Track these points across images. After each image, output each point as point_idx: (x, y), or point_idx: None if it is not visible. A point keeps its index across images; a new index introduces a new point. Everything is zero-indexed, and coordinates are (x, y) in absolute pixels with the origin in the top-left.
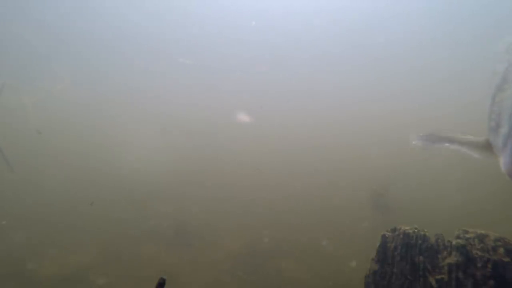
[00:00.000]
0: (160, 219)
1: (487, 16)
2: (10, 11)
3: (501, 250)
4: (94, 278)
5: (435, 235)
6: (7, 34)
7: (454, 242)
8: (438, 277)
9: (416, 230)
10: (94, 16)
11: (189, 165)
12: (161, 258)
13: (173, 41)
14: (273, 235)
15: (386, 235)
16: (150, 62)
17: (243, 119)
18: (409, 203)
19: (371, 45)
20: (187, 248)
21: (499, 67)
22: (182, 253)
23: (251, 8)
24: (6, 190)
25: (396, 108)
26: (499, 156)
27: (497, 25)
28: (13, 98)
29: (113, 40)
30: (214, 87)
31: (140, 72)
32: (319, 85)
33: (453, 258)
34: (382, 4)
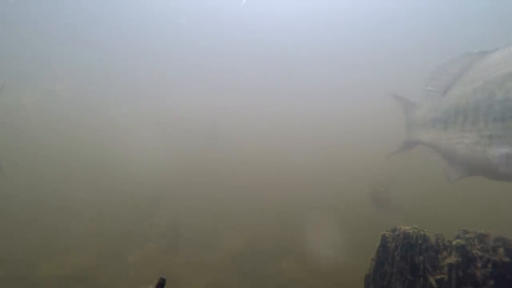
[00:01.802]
0: (159, 219)
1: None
2: (10, 11)
3: (501, 250)
4: (94, 278)
5: (435, 235)
6: (7, 34)
7: (454, 242)
8: (438, 277)
9: (416, 230)
10: (94, 16)
11: (189, 166)
12: (161, 258)
13: (173, 41)
14: (273, 235)
15: (386, 235)
16: (149, 62)
17: (243, 119)
18: (409, 203)
19: (372, 45)
20: (187, 248)
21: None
22: (182, 253)
23: (252, 8)
24: (5, 191)
25: (396, 107)
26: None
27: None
28: (13, 98)
29: (113, 40)
30: (215, 87)
31: (140, 72)
32: (318, 85)
33: (453, 258)
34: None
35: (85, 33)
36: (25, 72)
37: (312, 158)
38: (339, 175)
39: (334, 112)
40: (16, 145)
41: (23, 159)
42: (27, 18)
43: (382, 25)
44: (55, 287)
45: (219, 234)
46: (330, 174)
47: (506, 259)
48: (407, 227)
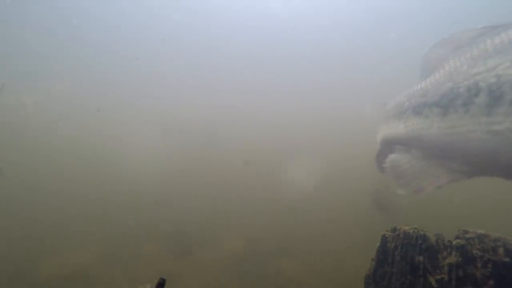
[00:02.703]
0: (159, 219)
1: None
2: (10, 11)
3: (501, 250)
4: (94, 278)
5: (435, 235)
6: (7, 34)
7: (454, 242)
8: (438, 277)
9: (416, 230)
10: (93, 16)
11: (189, 165)
12: (161, 258)
13: (173, 41)
14: (273, 235)
15: (386, 235)
16: (149, 62)
17: (243, 119)
18: (410, 202)
19: (371, 45)
20: (187, 248)
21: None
22: (182, 253)
23: (252, 8)
24: (5, 191)
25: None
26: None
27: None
28: (13, 98)
29: (113, 40)
30: (214, 87)
31: (140, 72)
32: (319, 84)
33: (453, 258)
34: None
35: (85, 33)
36: (25, 72)
37: (312, 158)
38: (339, 174)
39: (334, 112)
40: (16, 145)
41: (23, 159)
42: (27, 18)
43: (382, 25)
44: (55, 286)
45: (219, 234)
46: (330, 173)
47: (506, 259)
48: (407, 227)
